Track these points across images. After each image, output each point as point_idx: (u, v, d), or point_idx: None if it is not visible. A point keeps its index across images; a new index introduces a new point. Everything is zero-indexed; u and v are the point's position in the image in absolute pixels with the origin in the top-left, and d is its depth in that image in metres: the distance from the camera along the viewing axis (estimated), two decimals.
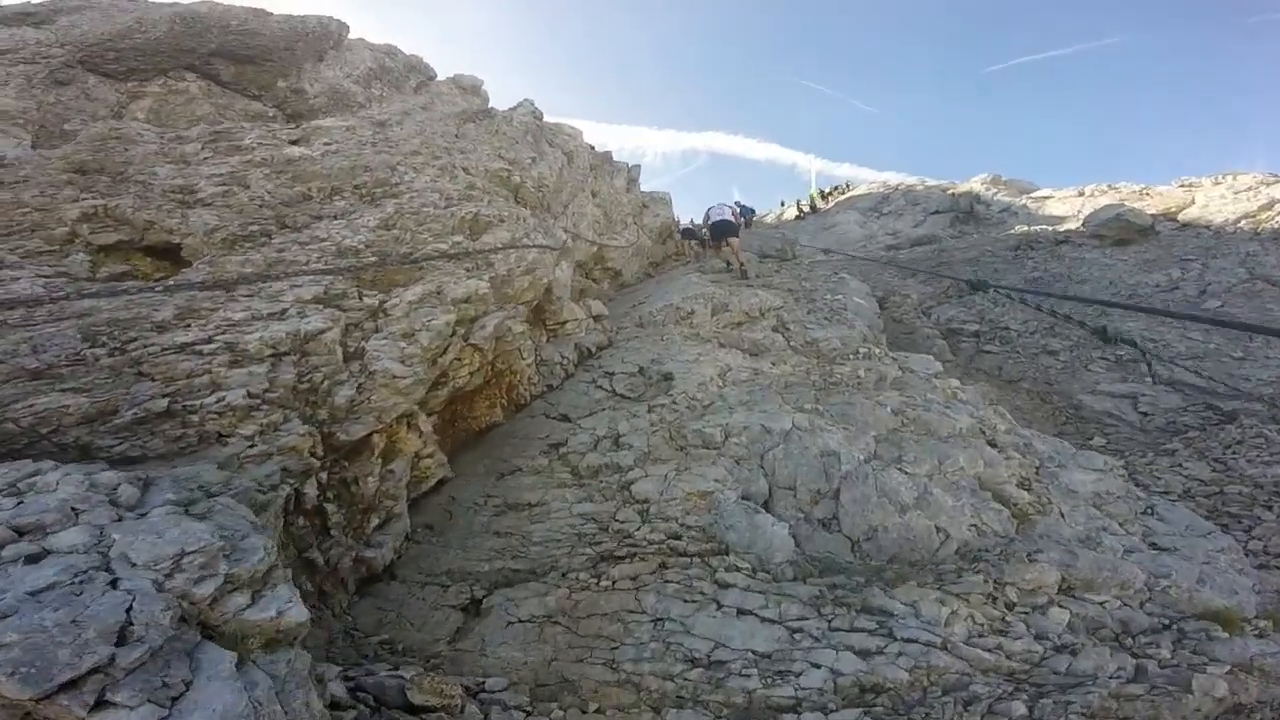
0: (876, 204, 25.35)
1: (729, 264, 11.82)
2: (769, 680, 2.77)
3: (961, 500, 4.01)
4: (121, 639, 1.69)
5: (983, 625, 3.02)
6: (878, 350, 6.98)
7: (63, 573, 1.76)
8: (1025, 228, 16.93)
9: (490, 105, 13.83)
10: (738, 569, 3.51)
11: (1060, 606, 3.24)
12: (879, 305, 10.95)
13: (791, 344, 7.23)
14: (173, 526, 1.98)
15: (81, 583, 1.75)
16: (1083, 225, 14.49)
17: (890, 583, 3.35)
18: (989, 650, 2.88)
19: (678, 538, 3.81)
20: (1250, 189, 13.25)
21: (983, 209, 21.59)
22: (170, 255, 5.26)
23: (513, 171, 9.06)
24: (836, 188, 31.77)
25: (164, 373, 3.40)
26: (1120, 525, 4.25)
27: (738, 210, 11.89)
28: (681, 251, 16.46)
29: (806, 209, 28.89)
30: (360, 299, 4.69)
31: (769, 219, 30.96)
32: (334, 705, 2.38)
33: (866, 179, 32.70)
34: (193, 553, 1.90)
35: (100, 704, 1.59)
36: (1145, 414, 7.54)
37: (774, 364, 6.55)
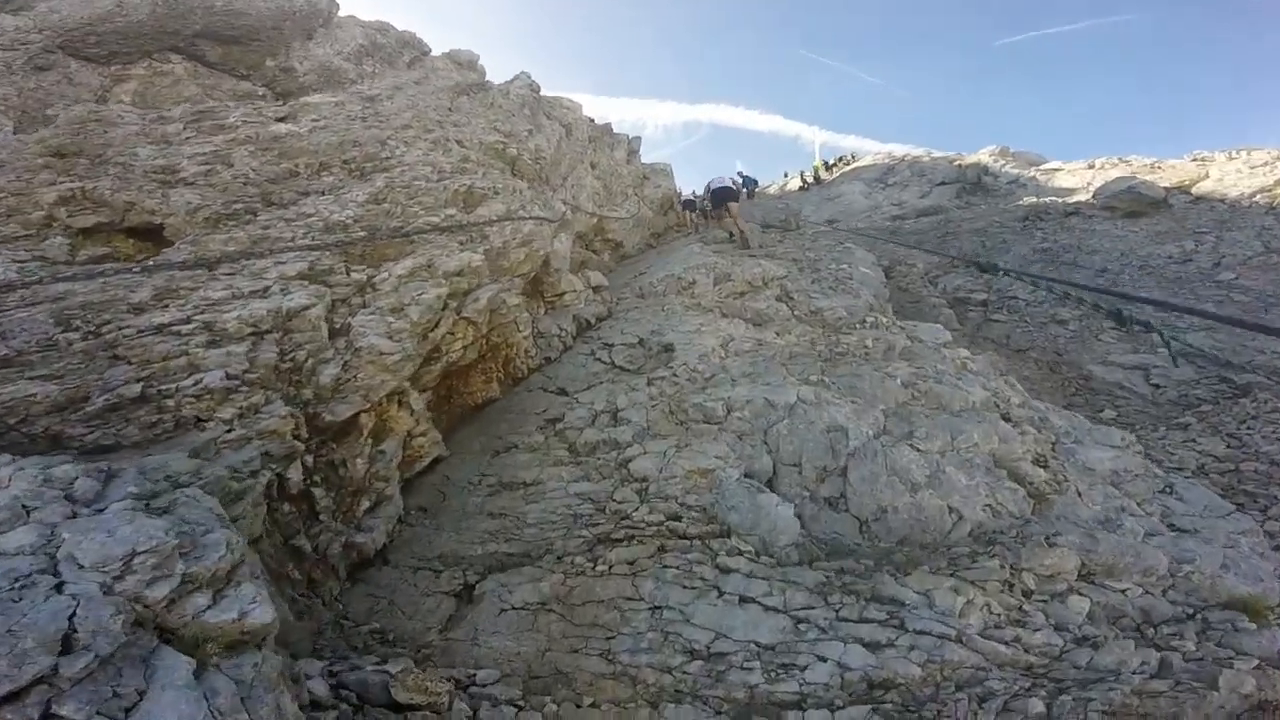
0: (882, 175, 24.81)
1: (731, 234, 11.69)
2: (772, 674, 2.62)
3: (975, 479, 3.80)
4: (67, 647, 1.56)
5: (999, 615, 2.83)
6: (885, 319, 6.76)
7: (2, 578, 1.62)
8: (1034, 199, 16.53)
9: (486, 79, 13.48)
10: (740, 552, 3.34)
11: (1080, 594, 3.05)
12: (885, 274, 10.69)
13: (796, 313, 7.02)
14: (125, 524, 1.83)
15: (22, 588, 1.61)
16: (1093, 197, 14.08)
17: (901, 567, 3.18)
18: (1006, 643, 2.70)
19: (677, 519, 3.64)
20: (1266, 164, 12.83)
21: (990, 180, 21.11)
22: (153, 236, 5.10)
23: (509, 144, 8.83)
24: (841, 159, 31.19)
25: (139, 356, 3.25)
26: (1139, 505, 4.06)
27: (739, 181, 11.80)
28: (683, 223, 16.27)
29: (810, 180, 28.39)
30: (348, 274, 4.53)
31: (772, 190, 30.48)
32: (314, 705, 2.26)
33: (872, 150, 32.11)
34: (144, 552, 1.75)
35: (47, 717, 1.49)
36: (1157, 386, 7.31)
37: (778, 334, 6.36)
